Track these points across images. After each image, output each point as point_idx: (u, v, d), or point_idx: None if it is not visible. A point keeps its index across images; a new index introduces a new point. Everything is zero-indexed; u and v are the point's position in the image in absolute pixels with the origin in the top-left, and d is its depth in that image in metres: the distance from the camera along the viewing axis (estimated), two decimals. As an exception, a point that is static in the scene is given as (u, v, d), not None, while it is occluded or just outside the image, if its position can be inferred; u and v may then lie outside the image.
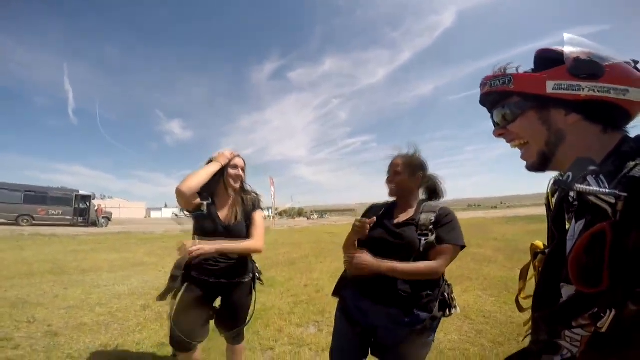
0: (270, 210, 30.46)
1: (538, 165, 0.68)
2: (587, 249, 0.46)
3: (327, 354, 2.56)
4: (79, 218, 19.52)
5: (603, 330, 0.44)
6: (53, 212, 18.34)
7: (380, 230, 1.47)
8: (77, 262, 6.77)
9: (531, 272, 0.83)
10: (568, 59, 0.61)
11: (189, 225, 1.88)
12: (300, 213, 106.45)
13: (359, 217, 1.64)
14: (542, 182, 0.77)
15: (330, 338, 1.62)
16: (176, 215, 2.34)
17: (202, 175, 1.69)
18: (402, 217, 1.50)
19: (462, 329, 3.22)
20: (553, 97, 0.62)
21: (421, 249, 1.35)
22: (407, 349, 1.37)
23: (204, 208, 1.79)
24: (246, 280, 1.92)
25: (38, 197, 18.00)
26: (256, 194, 2.02)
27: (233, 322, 1.91)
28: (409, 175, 1.51)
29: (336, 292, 1.61)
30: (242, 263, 1.89)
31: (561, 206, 0.60)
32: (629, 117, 0.61)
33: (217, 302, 1.94)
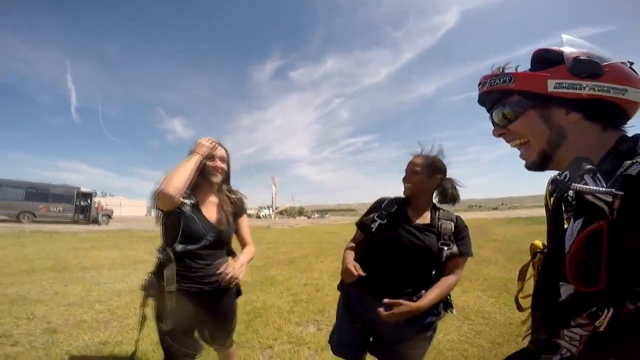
0: (271, 209, 30.52)
1: (538, 164, 0.68)
2: (584, 247, 0.46)
3: (326, 353, 2.57)
4: (80, 215, 19.55)
5: (601, 329, 0.44)
6: (54, 209, 18.36)
7: (399, 230, 1.44)
8: (78, 259, 6.80)
9: (530, 271, 0.83)
10: (568, 59, 0.61)
11: None
12: (301, 212, 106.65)
13: (359, 217, 1.64)
14: (544, 183, 0.77)
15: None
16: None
17: (186, 170, 1.46)
18: (420, 220, 1.48)
19: (461, 329, 3.22)
20: (554, 96, 0.62)
21: (443, 259, 1.38)
22: (407, 347, 1.39)
23: (187, 208, 1.51)
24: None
25: (39, 194, 18.03)
26: (241, 194, 1.81)
27: (224, 332, 1.74)
28: (427, 177, 1.46)
29: (341, 287, 1.60)
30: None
31: (559, 205, 0.60)
32: (626, 117, 0.62)
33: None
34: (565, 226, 0.61)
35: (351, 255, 1.47)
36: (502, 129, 0.73)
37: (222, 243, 1.64)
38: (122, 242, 10.50)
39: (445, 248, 1.39)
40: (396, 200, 1.57)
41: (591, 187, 0.48)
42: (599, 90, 0.59)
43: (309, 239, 13.15)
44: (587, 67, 0.59)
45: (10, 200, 16.85)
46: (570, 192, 0.61)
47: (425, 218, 1.49)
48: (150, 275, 1.56)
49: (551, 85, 0.62)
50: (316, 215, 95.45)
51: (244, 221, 1.80)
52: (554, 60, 0.64)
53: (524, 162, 0.72)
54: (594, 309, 0.45)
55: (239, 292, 1.79)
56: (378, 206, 1.58)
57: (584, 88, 0.59)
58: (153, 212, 1.62)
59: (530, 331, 0.69)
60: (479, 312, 3.70)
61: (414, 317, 1.31)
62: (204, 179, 1.61)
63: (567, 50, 0.62)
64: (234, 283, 1.51)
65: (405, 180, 1.51)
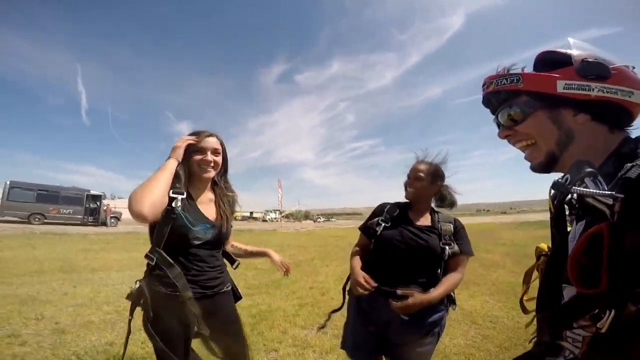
0: (278, 213, 30.58)
1: (545, 165, 0.68)
2: (585, 250, 0.46)
3: (331, 356, 2.55)
4: (89, 217, 19.85)
5: (603, 330, 0.43)
6: (64, 211, 18.70)
7: (404, 232, 1.51)
8: (87, 261, 6.90)
9: (535, 274, 0.82)
10: (576, 61, 0.61)
11: None
12: (307, 216, 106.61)
13: (364, 220, 1.66)
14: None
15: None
16: None
17: (158, 180, 1.26)
18: (422, 222, 1.56)
19: (468, 333, 3.19)
20: (563, 97, 0.62)
21: (445, 257, 1.47)
22: (417, 345, 1.43)
23: (178, 205, 1.31)
24: (229, 288, 1.56)
25: (50, 196, 18.38)
26: (234, 191, 1.63)
27: (233, 335, 1.52)
28: (430, 183, 1.56)
29: (351, 290, 1.58)
30: (223, 267, 1.55)
31: (561, 208, 0.60)
32: (631, 118, 0.63)
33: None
34: (569, 229, 0.61)
35: (358, 264, 1.53)
36: (508, 130, 0.72)
37: (220, 243, 1.53)
38: (130, 244, 10.61)
39: (447, 247, 1.47)
40: (397, 204, 1.65)
41: (591, 190, 0.48)
42: (607, 92, 0.59)
43: (315, 243, 13.15)
44: (596, 69, 0.60)
45: (22, 202, 17.19)
46: (574, 195, 0.61)
47: (427, 220, 1.58)
48: (139, 283, 1.34)
49: (560, 86, 0.62)
50: (322, 219, 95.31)
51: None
52: (560, 61, 0.64)
53: (529, 163, 0.71)
54: (596, 310, 0.45)
55: (237, 297, 1.64)
56: (381, 210, 1.65)
57: (593, 89, 0.59)
58: None
59: (535, 334, 0.69)
60: (487, 317, 3.65)
61: (423, 313, 1.37)
62: (196, 176, 1.44)
63: (574, 52, 0.62)
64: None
65: (408, 184, 1.60)
